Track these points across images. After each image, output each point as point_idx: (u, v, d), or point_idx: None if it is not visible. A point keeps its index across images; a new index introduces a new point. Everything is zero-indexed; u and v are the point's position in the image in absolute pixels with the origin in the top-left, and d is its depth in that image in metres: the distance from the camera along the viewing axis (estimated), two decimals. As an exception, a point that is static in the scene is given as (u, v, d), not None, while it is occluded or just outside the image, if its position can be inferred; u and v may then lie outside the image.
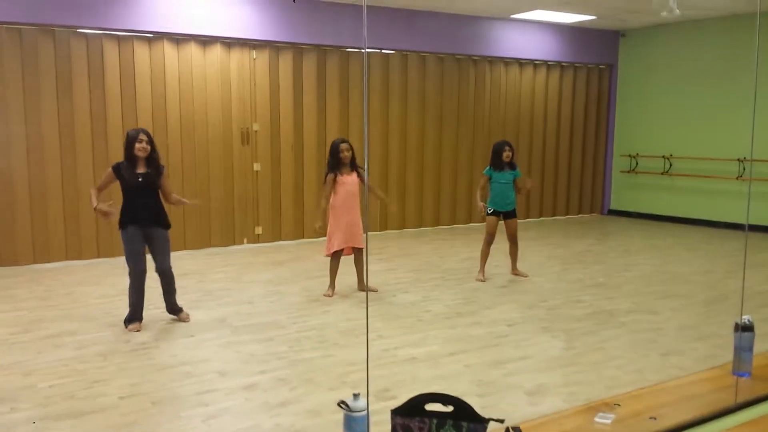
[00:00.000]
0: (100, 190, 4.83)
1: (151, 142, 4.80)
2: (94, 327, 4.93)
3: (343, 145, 5.72)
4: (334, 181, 5.70)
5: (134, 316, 4.89)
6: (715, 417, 1.93)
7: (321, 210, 5.78)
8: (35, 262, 7.19)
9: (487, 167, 6.47)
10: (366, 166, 6.66)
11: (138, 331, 4.81)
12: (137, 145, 4.73)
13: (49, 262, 7.25)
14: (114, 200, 4.99)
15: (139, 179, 4.77)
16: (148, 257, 4.94)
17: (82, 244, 7.43)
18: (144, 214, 4.81)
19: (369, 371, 4.01)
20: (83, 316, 5.24)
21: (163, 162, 5.04)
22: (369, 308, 5.55)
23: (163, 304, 5.09)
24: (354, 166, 5.77)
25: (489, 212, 6.45)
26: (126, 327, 4.85)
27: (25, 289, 6.12)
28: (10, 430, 3.25)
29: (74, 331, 4.83)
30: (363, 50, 7.38)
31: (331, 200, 5.75)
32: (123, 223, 4.81)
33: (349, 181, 5.71)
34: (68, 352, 4.39)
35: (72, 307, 5.52)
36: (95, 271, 6.90)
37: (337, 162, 5.70)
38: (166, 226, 4.94)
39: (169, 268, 4.96)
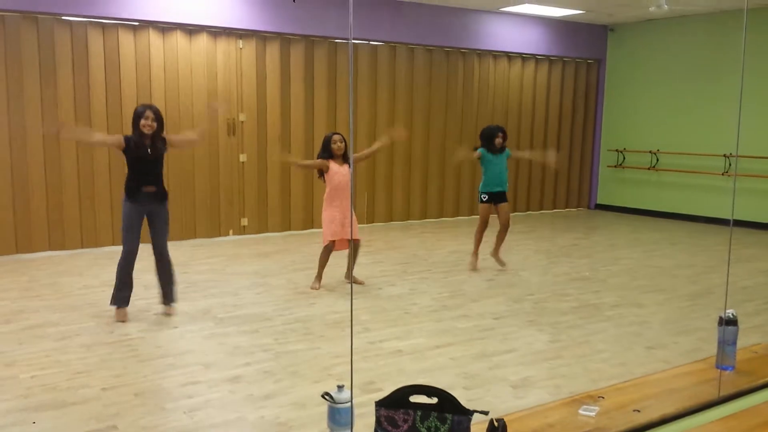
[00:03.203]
0: (93, 135, 4.77)
1: (158, 119, 4.74)
2: (77, 318, 4.89)
3: (336, 137, 5.69)
4: (327, 168, 5.65)
5: (121, 294, 4.84)
6: (699, 410, 1.94)
7: (295, 161, 5.78)
8: (18, 252, 7.11)
9: (482, 147, 6.52)
10: (350, 153, 6.68)
11: (124, 321, 4.77)
12: (142, 122, 4.68)
13: (32, 252, 7.17)
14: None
15: (148, 150, 4.72)
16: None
17: (66, 235, 7.35)
18: (149, 188, 4.77)
19: (354, 364, 4.00)
20: (66, 306, 5.19)
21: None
22: (355, 301, 5.53)
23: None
24: (346, 159, 5.74)
25: (483, 200, 6.51)
26: (111, 306, 4.81)
27: (7, 279, 6.05)
28: (-10, 422, 3.21)
29: (57, 322, 4.78)
30: (349, 41, 7.33)
31: (325, 192, 5.73)
32: (128, 194, 4.77)
33: (341, 171, 5.67)
34: (51, 342, 4.35)
35: (55, 297, 5.46)
36: (79, 262, 6.83)
37: (329, 155, 5.68)
38: (166, 197, 4.89)
39: (167, 251, 4.92)
